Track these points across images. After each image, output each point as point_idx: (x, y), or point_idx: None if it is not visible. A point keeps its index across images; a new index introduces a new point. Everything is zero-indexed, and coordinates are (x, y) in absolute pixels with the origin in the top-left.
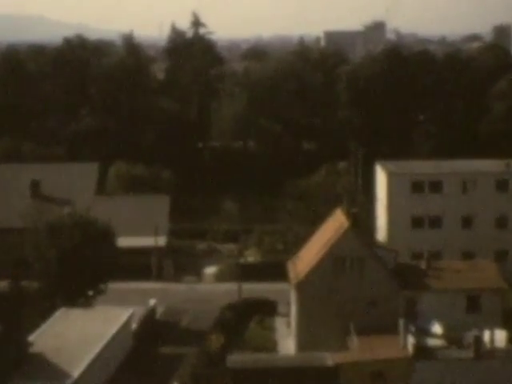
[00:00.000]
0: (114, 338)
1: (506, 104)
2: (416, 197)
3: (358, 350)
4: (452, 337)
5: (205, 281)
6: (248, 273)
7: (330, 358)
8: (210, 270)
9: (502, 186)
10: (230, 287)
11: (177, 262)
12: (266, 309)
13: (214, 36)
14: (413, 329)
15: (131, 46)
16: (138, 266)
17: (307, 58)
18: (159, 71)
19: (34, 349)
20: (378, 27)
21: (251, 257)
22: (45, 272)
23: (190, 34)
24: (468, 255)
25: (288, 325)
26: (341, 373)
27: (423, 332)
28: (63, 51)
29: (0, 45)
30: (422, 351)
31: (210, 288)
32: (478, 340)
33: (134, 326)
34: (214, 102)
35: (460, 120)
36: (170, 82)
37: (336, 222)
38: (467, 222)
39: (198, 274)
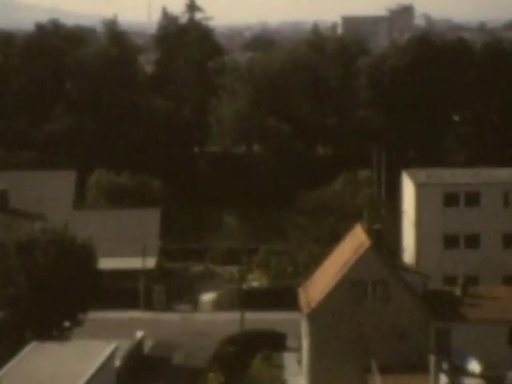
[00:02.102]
0: (94, 377)
1: None
2: (449, 211)
3: None
4: (492, 376)
5: (201, 309)
6: (252, 300)
7: None
8: (208, 297)
9: None
10: (231, 317)
11: (169, 287)
12: (273, 342)
13: (212, 22)
14: (446, 366)
15: (114, 33)
16: (123, 291)
17: (322, 48)
18: (148, 63)
19: None
20: (405, 12)
21: (255, 281)
22: (13, 299)
23: (183, 19)
24: (511, 280)
25: (299, 361)
26: None
27: (458, 370)
28: (35, 39)
29: None
30: None
31: (208, 318)
32: None
33: (117, 362)
34: (213, 100)
35: (501, 121)
36: (160, 75)
37: (355, 241)
38: (509, 240)
39: (194, 302)
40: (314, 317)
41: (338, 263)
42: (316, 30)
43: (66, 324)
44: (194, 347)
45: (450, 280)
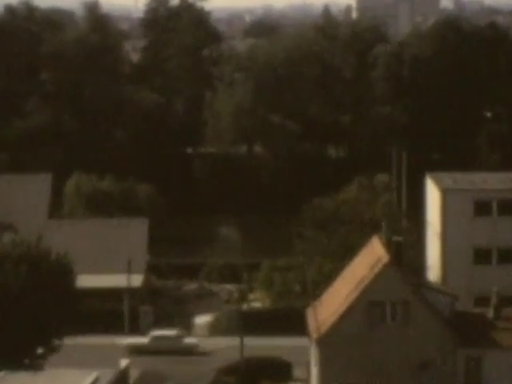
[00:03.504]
0: None
1: None
2: (480, 221)
3: None
4: None
5: (195, 334)
6: (253, 323)
7: None
8: (203, 320)
9: None
10: (229, 343)
11: (157, 308)
12: (278, 372)
13: (207, 5)
14: None
15: (96, 17)
16: (106, 313)
17: (333, 35)
18: (134, 51)
19: None
20: None
21: (257, 302)
22: None
23: (175, 1)
24: None
25: None
26: None
27: None
28: (4, 24)
29: None
30: None
31: (203, 344)
32: None
33: None
34: (209, 94)
35: None
36: (148, 65)
37: (372, 255)
38: None
39: (187, 326)
40: (325, 342)
41: (352, 281)
42: (327, 13)
43: (40, 351)
44: (186, 377)
45: (482, 300)
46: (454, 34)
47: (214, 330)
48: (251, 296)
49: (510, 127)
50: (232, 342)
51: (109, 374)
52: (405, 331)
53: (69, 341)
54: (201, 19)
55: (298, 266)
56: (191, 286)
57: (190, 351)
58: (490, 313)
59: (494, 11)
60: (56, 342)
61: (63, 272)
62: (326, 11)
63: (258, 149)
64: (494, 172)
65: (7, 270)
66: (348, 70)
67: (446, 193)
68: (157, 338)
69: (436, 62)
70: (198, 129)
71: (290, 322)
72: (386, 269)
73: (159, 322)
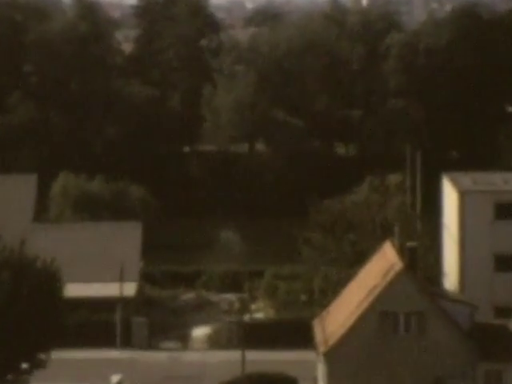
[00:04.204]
0: None
1: None
2: (501, 225)
3: None
4: None
5: (193, 347)
6: (256, 336)
7: None
8: (201, 332)
9: None
10: (230, 357)
11: (152, 319)
12: None
13: None
14: None
15: (85, 4)
16: (96, 325)
17: (342, 23)
18: (126, 41)
19: None
20: None
21: (260, 312)
22: None
23: None
24: None
25: None
26: None
27: None
28: None
29: None
30: None
31: (201, 358)
32: None
33: None
34: (207, 87)
35: None
36: (141, 57)
37: (384, 262)
38: None
39: (183, 338)
40: (333, 356)
41: (363, 290)
42: (335, 0)
43: (24, 366)
44: None
45: (503, 311)
46: (473, 21)
47: (213, 342)
48: (253, 306)
49: None
50: (233, 355)
51: None
52: (419, 344)
53: (56, 355)
54: (199, 6)
55: (304, 273)
56: (188, 296)
57: None
58: None
59: None
60: (42, 356)
61: (50, 280)
62: None
63: (260, 147)
64: None
65: None
66: (358, 61)
67: (464, 194)
68: None
69: (453, 52)
70: (195, 125)
71: (296, 334)
72: (400, 276)
73: (154, 335)
